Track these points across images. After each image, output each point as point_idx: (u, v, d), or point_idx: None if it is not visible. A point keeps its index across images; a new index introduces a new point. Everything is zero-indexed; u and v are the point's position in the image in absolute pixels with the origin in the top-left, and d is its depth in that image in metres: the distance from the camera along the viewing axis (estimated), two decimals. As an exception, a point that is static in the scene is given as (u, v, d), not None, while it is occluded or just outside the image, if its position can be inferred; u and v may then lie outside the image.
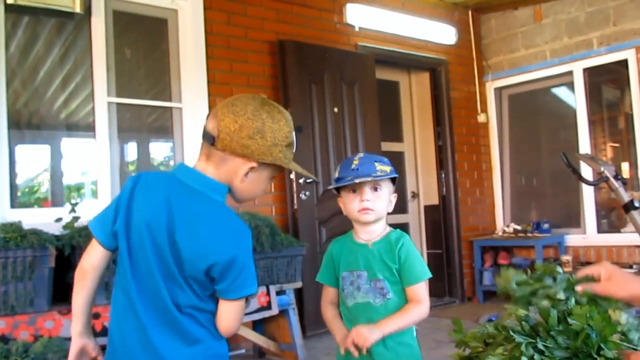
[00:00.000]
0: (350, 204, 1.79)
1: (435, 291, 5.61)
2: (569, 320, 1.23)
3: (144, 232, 1.38)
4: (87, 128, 3.73)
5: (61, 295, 2.81)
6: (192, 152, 3.99)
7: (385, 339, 1.70)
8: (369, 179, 1.73)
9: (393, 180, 1.82)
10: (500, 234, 5.81)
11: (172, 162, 4.14)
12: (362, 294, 1.75)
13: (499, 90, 6.03)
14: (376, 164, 1.76)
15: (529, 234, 5.52)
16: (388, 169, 1.77)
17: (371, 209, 1.76)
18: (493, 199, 6.01)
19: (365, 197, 1.76)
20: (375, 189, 1.77)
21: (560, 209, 5.76)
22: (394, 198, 1.83)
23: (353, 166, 1.76)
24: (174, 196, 1.38)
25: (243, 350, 3.95)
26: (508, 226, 5.79)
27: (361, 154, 1.83)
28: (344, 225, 1.88)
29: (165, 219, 1.36)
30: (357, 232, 1.82)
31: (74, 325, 1.47)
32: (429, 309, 1.75)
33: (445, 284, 5.56)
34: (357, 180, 1.73)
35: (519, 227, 5.65)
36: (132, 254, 1.40)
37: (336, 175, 1.83)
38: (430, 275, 1.76)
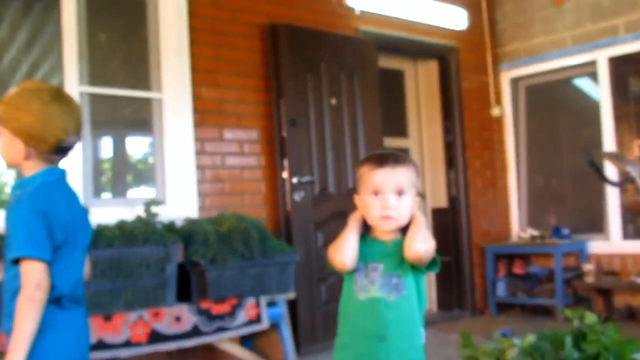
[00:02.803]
0: (371, 208, 1.81)
1: (443, 303, 5.62)
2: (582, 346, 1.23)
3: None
4: (57, 121, 3.72)
5: None
6: (173, 148, 3.99)
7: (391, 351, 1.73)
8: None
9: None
10: (516, 239, 5.82)
11: (151, 160, 4.14)
12: (376, 288, 1.79)
13: (514, 81, 6.05)
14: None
15: (548, 240, 5.53)
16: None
17: (393, 217, 1.79)
18: (508, 201, 6.03)
19: (389, 203, 1.78)
20: (400, 194, 1.79)
21: (582, 213, 5.78)
22: (417, 201, 1.85)
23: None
24: None
25: (230, 369, 3.95)
26: (524, 231, 5.80)
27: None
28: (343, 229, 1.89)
29: None
30: (376, 232, 1.86)
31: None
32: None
33: (454, 295, 5.57)
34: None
35: (536, 233, 5.66)
36: None
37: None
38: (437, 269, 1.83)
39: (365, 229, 1.88)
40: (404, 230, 1.82)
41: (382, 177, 1.79)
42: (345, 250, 1.80)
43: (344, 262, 1.79)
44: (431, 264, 1.81)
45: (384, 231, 1.83)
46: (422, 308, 1.82)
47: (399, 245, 1.80)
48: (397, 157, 1.83)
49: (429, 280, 5.63)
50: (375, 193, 1.80)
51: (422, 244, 1.75)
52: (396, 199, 1.79)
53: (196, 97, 4.06)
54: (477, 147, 5.81)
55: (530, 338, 2.24)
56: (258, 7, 4.40)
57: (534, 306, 5.49)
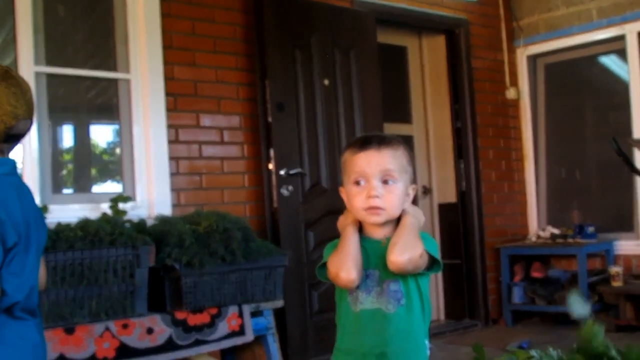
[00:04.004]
0: (355, 199, 1.78)
1: (452, 311, 5.64)
2: None
3: None
4: (9, 106, 3.70)
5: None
6: (143, 136, 3.99)
7: None
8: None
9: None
10: (534, 239, 5.84)
11: (117, 150, 4.13)
12: (372, 298, 1.77)
13: (532, 59, 6.05)
14: None
15: (570, 240, 5.55)
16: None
17: (381, 207, 1.75)
18: (525, 196, 6.04)
19: (374, 191, 1.75)
20: (386, 181, 1.76)
21: (609, 209, 5.79)
22: (412, 190, 1.83)
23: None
24: None
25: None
26: (544, 230, 5.82)
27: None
28: (337, 229, 1.88)
29: None
30: (367, 228, 1.83)
31: None
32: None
33: (464, 303, 5.59)
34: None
35: (557, 232, 5.68)
36: None
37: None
38: (439, 269, 1.79)
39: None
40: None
41: (365, 160, 1.76)
42: (351, 265, 1.74)
43: (352, 280, 1.73)
44: (433, 264, 1.78)
45: (375, 227, 1.79)
46: (427, 318, 1.80)
47: None
48: (383, 138, 1.80)
49: (436, 286, 5.64)
50: (359, 181, 1.77)
51: (402, 253, 1.69)
52: (383, 186, 1.75)
53: (169, 78, 4.05)
54: (490, 134, 5.82)
55: (552, 353, 2.25)
56: (240, -26, 4.39)
57: (554, 314, 5.51)
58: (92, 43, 4.14)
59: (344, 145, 1.92)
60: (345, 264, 1.74)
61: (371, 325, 1.76)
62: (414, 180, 1.85)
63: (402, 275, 1.75)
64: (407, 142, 5.70)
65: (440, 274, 5.64)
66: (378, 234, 1.80)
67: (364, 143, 1.79)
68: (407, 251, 1.69)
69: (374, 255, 1.78)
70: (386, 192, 1.75)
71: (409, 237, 1.73)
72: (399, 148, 1.80)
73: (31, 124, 1.86)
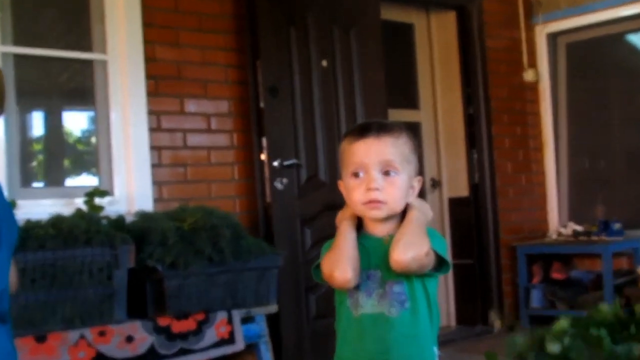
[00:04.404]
0: (353, 193, 1.79)
1: (464, 317, 5.66)
2: None
3: None
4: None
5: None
6: (121, 123, 4.00)
7: None
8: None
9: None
10: (554, 237, 5.86)
11: (93, 139, 4.14)
12: (374, 301, 1.78)
13: (553, 37, 6.06)
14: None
15: (594, 238, 5.57)
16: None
17: (381, 201, 1.76)
18: (544, 189, 6.06)
19: (374, 183, 1.76)
20: (388, 173, 1.78)
21: (638, 203, 5.81)
22: (417, 183, 1.84)
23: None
24: None
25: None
26: (565, 226, 5.84)
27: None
28: (336, 225, 1.90)
29: None
30: (368, 225, 1.85)
31: None
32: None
33: (477, 307, 5.61)
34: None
35: (580, 228, 5.70)
36: None
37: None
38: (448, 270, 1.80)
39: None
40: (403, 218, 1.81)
41: (364, 150, 1.77)
42: (346, 263, 1.75)
43: (347, 280, 1.75)
44: (440, 265, 1.78)
45: (377, 223, 1.81)
46: (435, 322, 1.81)
47: None
48: (383, 124, 1.81)
49: (446, 289, 5.67)
50: (357, 173, 1.78)
51: (406, 251, 1.70)
52: (384, 177, 1.77)
53: (150, 59, 4.06)
54: (505, 121, 5.84)
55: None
56: (228, -57, 4.40)
57: (577, 320, 5.53)
58: (64, 20, 4.14)
59: (343, 134, 1.92)
60: (339, 263, 1.75)
61: (373, 331, 1.77)
62: (419, 172, 1.86)
63: (407, 276, 1.76)
64: (414, 129, 5.72)
65: (450, 276, 5.66)
66: (380, 230, 1.81)
67: (362, 130, 1.79)
68: (411, 249, 1.70)
69: (375, 255, 1.79)
70: (387, 184, 1.76)
71: (414, 234, 1.73)
72: (400, 135, 1.80)
73: (1, 112, 1.87)
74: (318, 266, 1.85)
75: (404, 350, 1.75)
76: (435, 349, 1.82)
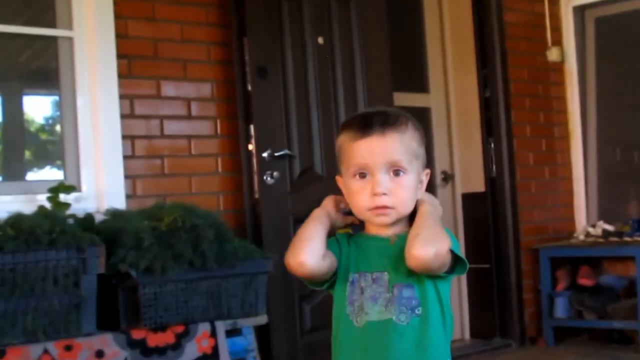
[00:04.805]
0: (357, 197, 1.81)
1: (479, 328, 5.67)
2: None
3: None
4: None
5: None
6: (89, 109, 3.98)
7: None
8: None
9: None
10: (582, 238, 5.86)
11: (58, 127, 4.12)
12: (380, 307, 1.78)
13: (580, 11, 6.06)
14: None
15: (627, 239, 5.56)
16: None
17: (389, 206, 1.78)
18: (571, 184, 6.07)
19: (380, 187, 1.77)
20: (397, 172, 1.79)
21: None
22: (426, 176, 1.86)
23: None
24: None
25: None
26: (594, 226, 5.84)
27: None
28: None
29: None
30: (370, 226, 1.87)
31: None
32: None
33: (495, 318, 5.62)
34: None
35: (610, 228, 5.70)
36: None
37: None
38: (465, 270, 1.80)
39: (356, 225, 1.89)
40: (412, 218, 1.81)
41: (367, 150, 1.78)
42: (300, 246, 1.78)
43: (299, 261, 1.77)
44: (455, 266, 1.79)
45: (381, 225, 1.83)
46: (449, 331, 1.82)
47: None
48: (387, 117, 1.82)
49: (459, 297, 5.68)
50: (361, 174, 1.80)
51: (427, 246, 1.71)
52: (391, 178, 1.78)
53: (121, 36, 4.04)
54: (527, 106, 5.84)
55: None
56: None
57: (607, 331, 5.53)
58: (24, -8, 4.13)
59: (340, 124, 1.92)
60: (293, 246, 1.79)
61: (379, 341, 1.77)
62: (428, 164, 1.88)
63: (417, 279, 1.77)
64: (422, 116, 5.72)
65: (464, 282, 5.67)
66: (385, 231, 1.83)
67: (364, 128, 1.80)
68: (433, 244, 1.70)
69: (381, 256, 1.81)
70: (395, 186, 1.78)
71: (433, 228, 1.75)
72: (406, 129, 1.82)
73: None
74: None
75: None
76: None
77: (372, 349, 1.77)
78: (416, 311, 1.77)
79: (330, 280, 1.86)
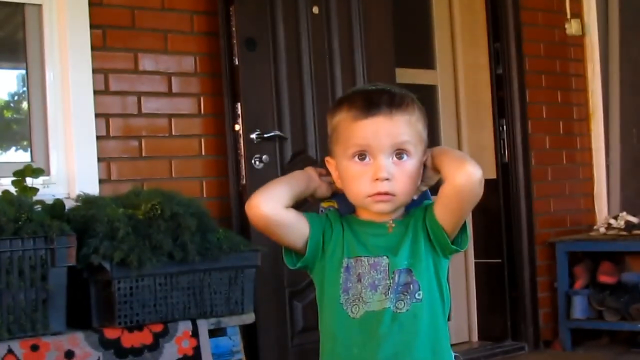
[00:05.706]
0: (355, 182, 1.82)
1: (489, 330, 5.68)
2: None
3: None
4: None
5: None
6: (58, 84, 3.98)
7: None
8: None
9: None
10: (603, 230, 5.87)
11: (24, 105, 4.12)
12: (379, 295, 1.81)
13: (603, -21, 6.06)
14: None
15: (652, 232, 5.59)
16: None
17: (391, 193, 1.80)
18: (592, 171, 6.08)
19: (382, 173, 1.78)
20: (401, 156, 1.80)
21: None
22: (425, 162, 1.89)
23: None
24: None
25: None
26: (616, 218, 5.85)
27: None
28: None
29: None
30: (362, 211, 1.89)
31: None
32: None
33: (506, 319, 5.63)
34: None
35: (634, 220, 5.72)
36: None
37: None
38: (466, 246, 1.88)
39: (346, 207, 1.91)
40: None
41: (372, 130, 1.79)
42: (264, 189, 1.84)
43: (256, 203, 1.82)
44: (458, 238, 1.85)
45: (380, 213, 1.85)
46: (447, 313, 1.87)
47: (405, 226, 1.83)
48: (392, 97, 1.83)
49: (466, 294, 5.69)
50: (360, 156, 1.81)
51: (477, 165, 1.78)
52: (394, 162, 1.80)
53: (95, 4, 4.03)
54: (543, 84, 5.85)
55: None
56: None
57: (630, 334, 5.56)
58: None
59: (337, 100, 1.93)
60: (257, 191, 1.84)
61: (379, 332, 1.79)
62: (430, 145, 1.91)
63: (416, 261, 1.80)
64: (428, 93, 5.73)
65: (472, 278, 5.69)
66: (381, 216, 1.85)
67: (369, 106, 1.81)
68: (474, 164, 1.79)
69: (378, 241, 1.84)
70: (398, 171, 1.80)
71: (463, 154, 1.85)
72: (414, 110, 1.84)
73: None
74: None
75: (416, 353, 1.79)
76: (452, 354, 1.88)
77: (372, 342, 1.79)
78: (416, 295, 1.80)
79: (309, 260, 1.90)
